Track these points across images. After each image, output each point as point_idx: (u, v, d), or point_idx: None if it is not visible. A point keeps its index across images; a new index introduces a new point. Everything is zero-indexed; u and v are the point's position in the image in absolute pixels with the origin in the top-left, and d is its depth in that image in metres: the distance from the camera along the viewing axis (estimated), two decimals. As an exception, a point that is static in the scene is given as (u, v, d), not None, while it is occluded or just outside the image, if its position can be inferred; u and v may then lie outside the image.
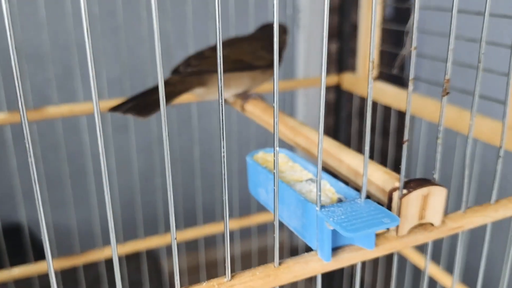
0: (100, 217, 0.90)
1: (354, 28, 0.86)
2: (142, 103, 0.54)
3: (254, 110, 0.57)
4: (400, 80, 0.82)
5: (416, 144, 0.85)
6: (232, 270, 0.31)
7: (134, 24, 1.40)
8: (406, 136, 0.34)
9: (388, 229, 0.35)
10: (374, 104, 0.79)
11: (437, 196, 0.35)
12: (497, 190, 0.39)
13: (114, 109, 0.53)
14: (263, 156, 0.43)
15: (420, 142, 0.78)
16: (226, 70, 0.58)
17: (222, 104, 0.29)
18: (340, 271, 1.12)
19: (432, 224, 0.36)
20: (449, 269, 0.73)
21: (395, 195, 0.35)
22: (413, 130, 0.98)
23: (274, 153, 0.31)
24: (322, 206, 0.32)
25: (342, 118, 0.87)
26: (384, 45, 0.77)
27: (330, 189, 0.37)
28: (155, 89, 0.56)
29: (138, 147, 1.30)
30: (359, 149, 0.91)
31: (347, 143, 1.08)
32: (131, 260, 0.98)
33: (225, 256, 0.31)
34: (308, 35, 1.72)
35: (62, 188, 1.08)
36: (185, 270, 1.34)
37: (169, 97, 0.56)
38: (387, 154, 0.81)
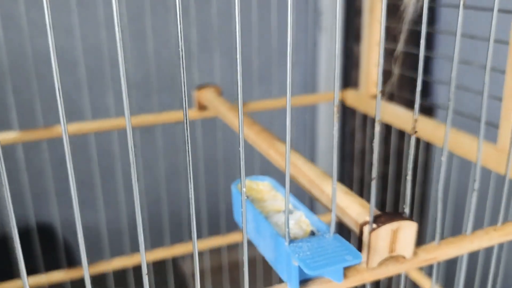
0: (128, 217, 0.93)
1: (359, 37, 0.86)
2: None
3: (249, 132, 0.59)
4: (411, 102, 0.83)
5: (437, 173, 0.84)
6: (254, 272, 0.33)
7: (160, 28, 1.44)
8: (374, 174, 0.35)
9: (359, 261, 0.37)
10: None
11: (407, 230, 0.36)
12: (472, 222, 0.40)
13: None
14: (248, 184, 0.45)
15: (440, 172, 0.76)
16: None
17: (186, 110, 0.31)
18: None
19: (403, 257, 0.38)
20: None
21: (365, 229, 0.36)
22: (434, 159, 0.97)
23: (241, 188, 0.33)
24: (291, 241, 0.34)
25: (346, 133, 0.88)
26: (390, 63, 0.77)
27: (305, 220, 0.38)
28: None
29: (164, 149, 1.33)
30: (362, 164, 0.91)
31: (351, 158, 1.09)
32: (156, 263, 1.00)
33: None
34: (331, 37, 1.72)
35: (92, 189, 1.12)
36: (208, 270, 1.37)
37: None
38: (387, 179, 0.81)
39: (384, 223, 0.36)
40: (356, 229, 0.38)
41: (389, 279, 1.01)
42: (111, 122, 0.74)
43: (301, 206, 0.40)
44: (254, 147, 0.60)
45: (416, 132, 0.35)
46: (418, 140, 0.75)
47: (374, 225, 0.36)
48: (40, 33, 1.41)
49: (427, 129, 0.68)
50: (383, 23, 0.32)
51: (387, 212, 0.37)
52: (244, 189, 0.32)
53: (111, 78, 1.50)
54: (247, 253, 0.34)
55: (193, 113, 0.77)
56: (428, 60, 1.29)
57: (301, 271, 0.33)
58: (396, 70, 0.51)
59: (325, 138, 1.84)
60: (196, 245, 0.32)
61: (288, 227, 0.33)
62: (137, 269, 0.92)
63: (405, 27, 0.47)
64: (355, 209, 0.39)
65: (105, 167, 1.35)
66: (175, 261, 1.32)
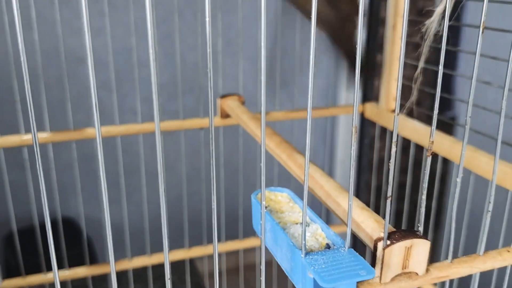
0: (150, 218, 0.95)
1: (382, 48, 0.87)
2: None
3: (269, 143, 0.61)
4: (431, 118, 0.83)
5: (453, 189, 0.84)
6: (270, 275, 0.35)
7: (185, 32, 1.47)
8: (389, 193, 0.36)
9: (372, 275, 0.38)
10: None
11: (420, 247, 0.38)
12: (485, 242, 0.41)
13: None
14: (267, 195, 0.47)
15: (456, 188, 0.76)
16: None
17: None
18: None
19: (416, 273, 0.39)
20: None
21: (380, 245, 0.37)
22: (451, 175, 0.97)
23: (261, 197, 0.35)
24: (307, 253, 0.35)
25: (365, 144, 0.89)
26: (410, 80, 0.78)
27: (321, 233, 0.40)
28: None
29: (186, 154, 1.36)
30: (380, 174, 0.91)
31: (369, 168, 1.10)
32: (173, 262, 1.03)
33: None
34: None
35: (117, 188, 1.15)
36: (224, 271, 1.39)
37: None
38: (404, 189, 0.82)
39: (398, 240, 0.37)
40: (370, 245, 0.39)
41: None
42: (138, 127, 0.77)
43: (318, 219, 0.41)
44: (274, 157, 0.61)
45: (432, 153, 0.37)
46: (435, 155, 0.75)
47: (388, 242, 0.37)
48: (71, 33, 1.46)
49: (445, 145, 0.69)
50: (402, 56, 0.34)
51: (402, 229, 0.38)
52: (263, 203, 0.34)
53: (138, 80, 1.53)
54: (264, 259, 0.35)
55: (216, 121, 0.79)
56: (450, 78, 1.29)
57: (315, 283, 0.35)
58: (415, 89, 0.52)
59: (343, 147, 1.84)
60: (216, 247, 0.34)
61: (304, 240, 0.35)
62: (156, 267, 0.94)
63: (426, 47, 0.49)
64: (370, 225, 0.40)
65: (129, 167, 1.38)
66: (192, 261, 1.35)
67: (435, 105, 0.36)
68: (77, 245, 1.24)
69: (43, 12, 1.42)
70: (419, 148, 0.78)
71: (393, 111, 0.78)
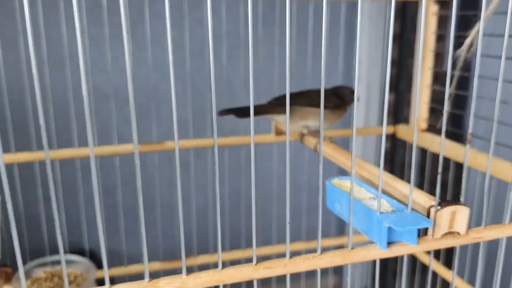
0: (163, 246, 1.06)
1: (411, 80, 1.02)
2: (242, 111, 0.74)
3: (326, 149, 0.75)
4: (453, 134, 0.97)
5: (472, 192, 0.97)
6: None
7: (200, 70, 1.61)
8: (440, 169, 0.50)
9: (426, 233, 0.51)
10: (424, 153, 0.94)
11: (462, 213, 0.51)
12: (510, 213, 0.54)
13: (221, 112, 0.73)
14: (338, 182, 0.60)
15: (475, 190, 0.90)
16: (301, 104, 0.77)
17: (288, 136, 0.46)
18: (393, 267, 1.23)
19: (459, 233, 0.52)
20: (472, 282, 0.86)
21: (432, 210, 0.50)
22: (469, 180, 1.10)
23: (351, 179, 0.48)
24: (380, 213, 0.49)
25: (397, 163, 1.03)
26: (436, 103, 0.92)
27: (386, 204, 0.53)
28: (256, 106, 0.76)
29: (196, 185, 1.46)
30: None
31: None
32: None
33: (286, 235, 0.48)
34: (368, 86, 1.89)
35: (134, 218, 1.26)
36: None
37: (258, 112, 0.77)
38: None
39: (445, 206, 0.50)
40: (424, 212, 0.52)
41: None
42: (190, 142, 0.91)
43: (383, 195, 0.54)
44: (330, 160, 0.75)
45: (470, 142, 0.50)
46: (460, 164, 0.88)
47: (438, 207, 0.50)
48: (97, 72, 1.57)
49: (468, 156, 0.82)
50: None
51: (447, 200, 0.51)
52: (353, 181, 0.47)
53: (158, 114, 1.66)
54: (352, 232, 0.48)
55: (271, 138, 0.93)
56: (466, 99, 1.43)
57: (390, 230, 0.48)
58: (446, 107, 0.66)
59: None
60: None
61: (380, 201, 0.48)
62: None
63: (457, 73, 0.63)
64: (422, 199, 0.53)
65: (145, 196, 1.49)
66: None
67: (471, 107, 0.50)
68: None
69: (71, 50, 1.55)
70: (446, 162, 0.91)
71: (423, 130, 0.92)
